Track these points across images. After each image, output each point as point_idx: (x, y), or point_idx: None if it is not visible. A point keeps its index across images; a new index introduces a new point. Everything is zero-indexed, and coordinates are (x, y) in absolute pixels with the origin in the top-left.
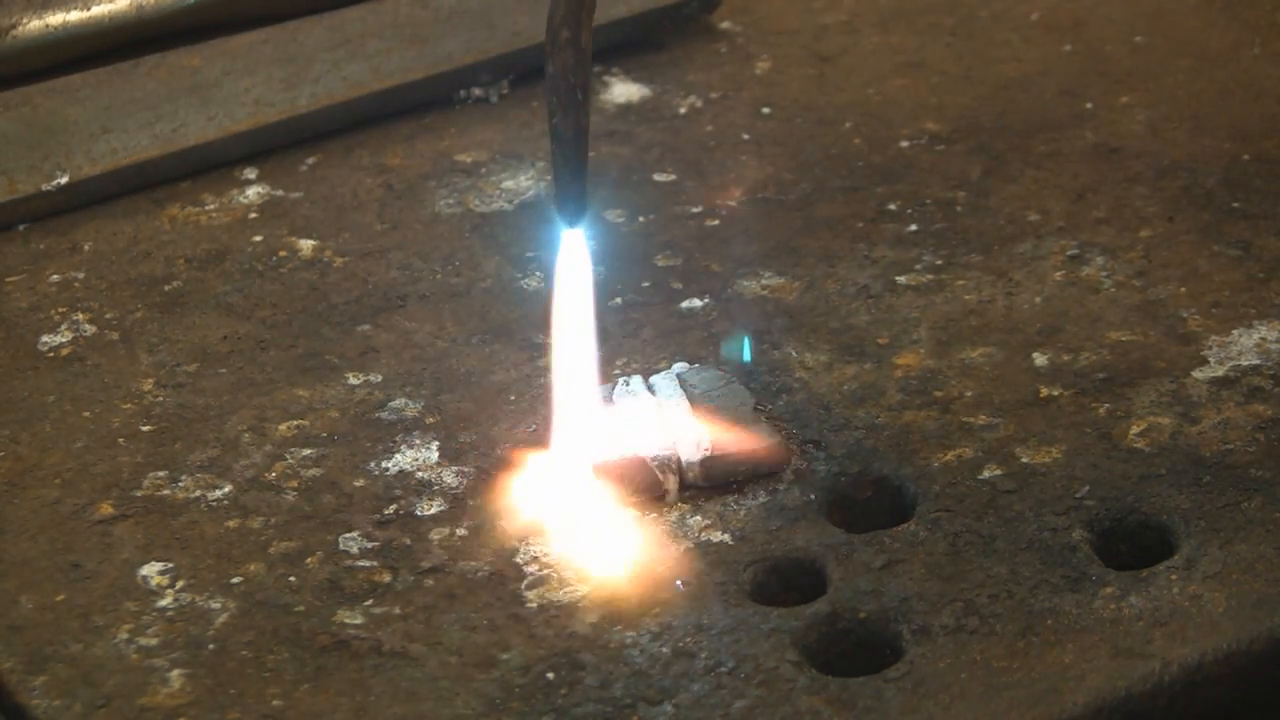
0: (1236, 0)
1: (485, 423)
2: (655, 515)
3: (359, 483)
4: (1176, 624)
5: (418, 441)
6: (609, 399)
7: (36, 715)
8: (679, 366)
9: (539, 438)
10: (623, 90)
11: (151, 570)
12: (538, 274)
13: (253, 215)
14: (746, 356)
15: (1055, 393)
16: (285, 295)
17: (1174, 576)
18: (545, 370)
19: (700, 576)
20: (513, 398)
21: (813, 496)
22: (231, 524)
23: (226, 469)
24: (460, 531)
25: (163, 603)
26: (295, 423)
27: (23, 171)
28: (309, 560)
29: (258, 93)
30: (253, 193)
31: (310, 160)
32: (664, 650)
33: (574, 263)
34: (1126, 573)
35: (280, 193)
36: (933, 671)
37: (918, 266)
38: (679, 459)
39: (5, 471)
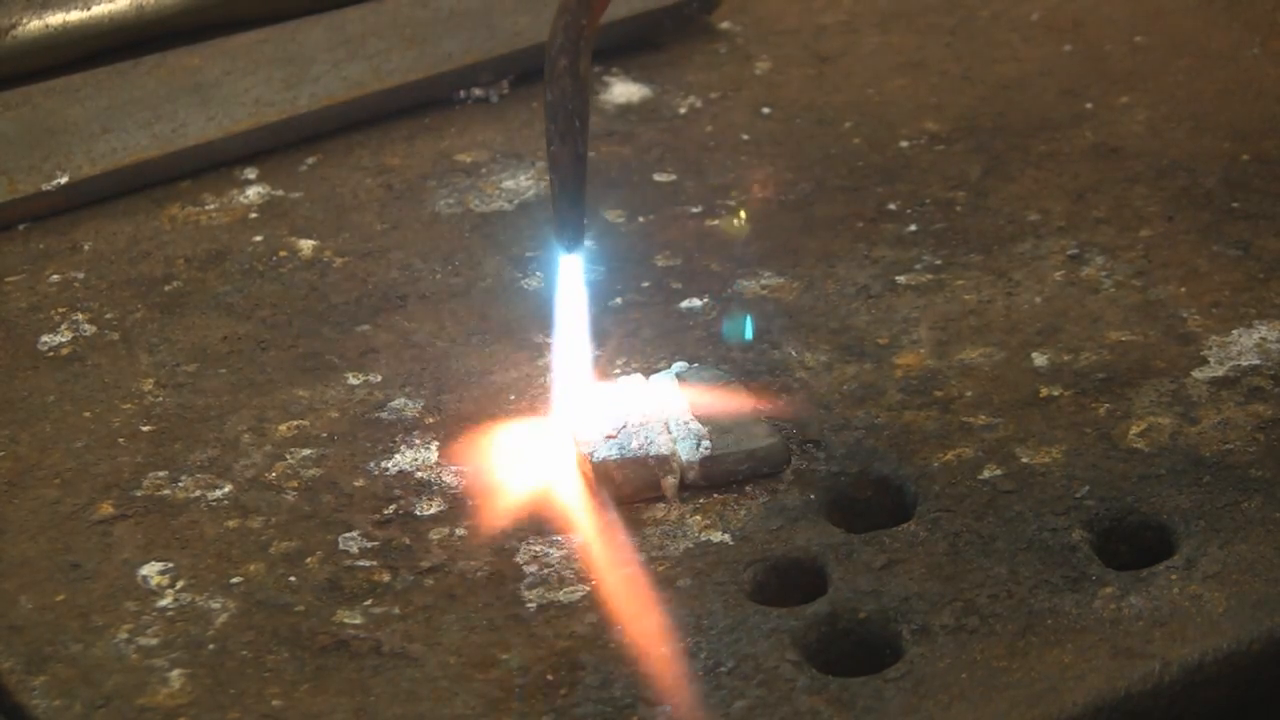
0: (1236, 0)
1: (485, 423)
2: (655, 515)
3: (359, 483)
4: (1176, 624)
5: (417, 441)
6: (608, 399)
7: (36, 715)
8: (679, 366)
9: (538, 437)
10: (623, 90)
11: (151, 570)
12: (538, 274)
13: (253, 215)
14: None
15: (1055, 393)
16: (285, 295)
17: (1174, 576)
18: (545, 370)
19: (700, 576)
20: (512, 398)
21: (813, 496)
22: (231, 524)
23: (226, 469)
24: (460, 531)
25: (163, 603)
26: (295, 423)
27: (23, 171)
28: (309, 560)
29: (258, 93)
30: (253, 193)
31: (310, 160)
32: (664, 650)
33: (572, 285)
34: (1126, 573)
35: (280, 193)
36: (933, 671)
37: (917, 266)
38: (679, 459)
39: (5, 471)
